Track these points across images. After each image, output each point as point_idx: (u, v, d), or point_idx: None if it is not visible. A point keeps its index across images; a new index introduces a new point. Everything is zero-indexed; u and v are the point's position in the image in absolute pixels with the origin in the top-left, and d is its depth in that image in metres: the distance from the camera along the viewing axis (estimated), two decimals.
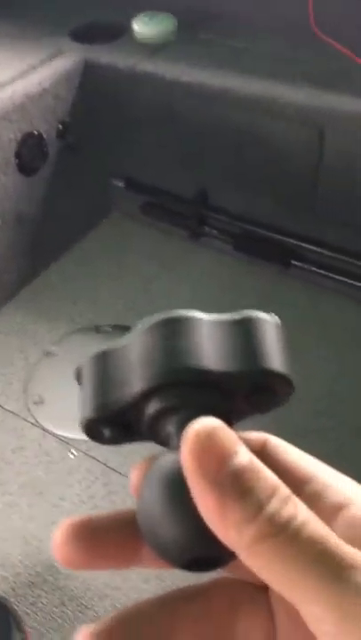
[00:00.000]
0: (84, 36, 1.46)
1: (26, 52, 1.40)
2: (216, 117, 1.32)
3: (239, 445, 0.22)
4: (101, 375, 0.27)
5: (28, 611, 0.97)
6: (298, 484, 0.25)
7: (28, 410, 1.22)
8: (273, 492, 0.21)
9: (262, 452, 0.26)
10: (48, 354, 1.31)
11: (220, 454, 0.21)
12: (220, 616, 0.26)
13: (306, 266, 1.37)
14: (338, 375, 1.24)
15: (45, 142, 1.36)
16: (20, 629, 0.93)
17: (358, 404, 1.19)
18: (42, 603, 0.98)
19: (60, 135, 1.39)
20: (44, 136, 1.36)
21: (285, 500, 0.21)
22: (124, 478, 1.10)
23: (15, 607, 0.95)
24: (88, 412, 0.26)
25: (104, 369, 0.27)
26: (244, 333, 0.26)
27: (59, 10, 1.57)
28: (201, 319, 0.26)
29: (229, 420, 0.26)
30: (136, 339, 0.27)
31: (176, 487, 0.23)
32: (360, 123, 1.17)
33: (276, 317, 0.28)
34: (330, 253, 1.33)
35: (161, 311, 0.27)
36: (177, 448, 0.24)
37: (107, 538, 0.25)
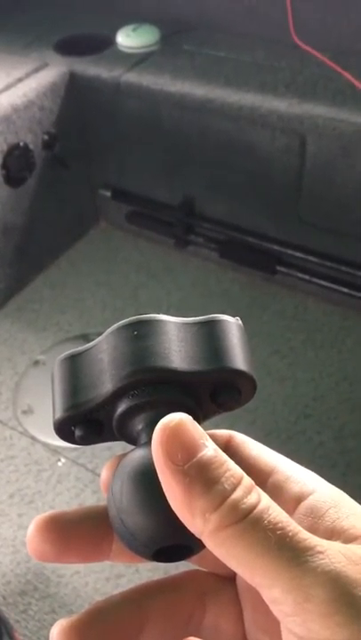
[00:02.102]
0: (69, 48, 1.48)
1: (11, 64, 1.42)
2: (200, 126, 1.33)
3: (206, 439, 0.23)
4: (71, 376, 0.28)
5: (19, 618, 0.97)
6: (261, 476, 0.26)
7: (17, 419, 1.22)
8: (237, 482, 0.22)
9: (228, 448, 0.27)
10: (36, 363, 1.32)
11: (188, 446, 0.22)
12: (190, 607, 0.27)
13: (291, 272, 1.38)
14: (323, 379, 1.25)
15: (32, 153, 1.38)
16: (11, 637, 0.93)
17: (342, 406, 1.20)
18: (32, 610, 0.98)
19: (47, 146, 1.41)
20: (31, 147, 1.37)
21: (248, 490, 0.22)
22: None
23: (6, 615, 0.96)
24: (59, 413, 0.27)
25: (73, 370, 0.28)
26: (209, 334, 0.27)
27: (44, 23, 1.59)
28: (167, 321, 0.27)
29: (197, 418, 0.26)
30: (104, 341, 0.27)
31: (144, 479, 0.24)
32: (340, 131, 1.19)
33: (240, 320, 0.29)
34: (315, 259, 1.35)
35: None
36: (146, 444, 0.25)
37: (77, 531, 0.26)
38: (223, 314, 0.28)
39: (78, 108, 1.44)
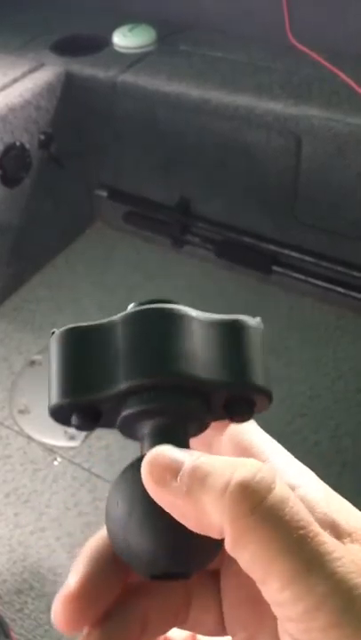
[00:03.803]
0: (65, 48, 1.48)
1: (8, 64, 1.42)
2: (196, 127, 1.34)
3: (189, 452, 0.23)
4: (77, 356, 0.25)
5: (15, 617, 0.97)
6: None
7: (13, 418, 1.23)
8: (233, 465, 0.22)
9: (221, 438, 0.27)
10: (33, 363, 1.32)
11: (172, 465, 0.23)
12: (178, 601, 0.27)
13: (287, 272, 1.39)
14: (318, 378, 1.26)
15: (28, 153, 1.38)
16: (7, 636, 0.93)
17: (338, 406, 1.21)
18: (28, 609, 0.98)
19: (43, 146, 1.41)
20: (27, 147, 1.37)
21: (254, 468, 0.22)
22: (108, 484, 1.10)
23: (2, 614, 0.96)
24: (58, 398, 0.25)
25: (80, 349, 0.26)
26: (233, 340, 0.26)
27: (40, 23, 1.59)
28: (193, 318, 0.26)
29: (204, 427, 0.26)
30: (122, 323, 0.25)
31: (142, 505, 0.23)
32: (335, 131, 1.19)
33: (261, 323, 0.27)
34: (310, 259, 1.35)
35: (151, 297, 0.27)
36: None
37: (99, 597, 0.25)
38: (244, 315, 0.27)
39: (74, 108, 1.44)
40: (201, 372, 0.25)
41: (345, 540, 0.22)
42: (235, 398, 0.26)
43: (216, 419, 0.27)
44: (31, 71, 1.40)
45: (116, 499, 0.24)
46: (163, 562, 0.23)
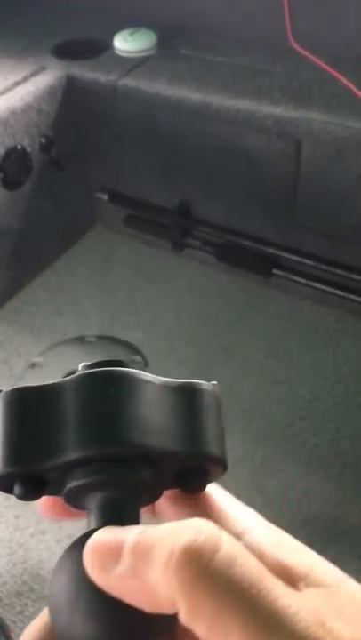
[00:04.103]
0: (66, 52, 1.48)
1: (9, 68, 1.42)
2: (197, 130, 1.34)
3: (127, 532, 0.22)
4: (21, 420, 0.24)
5: (15, 619, 0.97)
6: (207, 515, 0.25)
7: None
8: (179, 531, 0.21)
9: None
10: (33, 365, 1.33)
11: (113, 548, 0.21)
12: None
13: (287, 275, 1.39)
14: (318, 381, 1.26)
15: (29, 156, 1.38)
16: (8, 637, 0.93)
17: (337, 409, 1.21)
18: (29, 611, 0.99)
19: (44, 149, 1.41)
20: (28, 150, 1.37)
21: (198, 530, 0.20)
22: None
23: (2, 616, 0.96)
24: (3, 463, 0.24)
25: (25, 412, 0.24)
26: (187, 406, 0.25)
27: (41, 27, 1.59)
28: (145, 382, 0.24)
29: (155, 496, 0.26)
30: (71, 387, 0.24)
31: (87, 592, 0.22)
32: (335, 135, 1.20)
33: (217, 387, 0.26)
34: (310, 262, 1.35)
35: (105, 360, 0.25)
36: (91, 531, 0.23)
37: None
38: (199, 379, 0.26)
39: (75, 112, 1.45)
40: (151, 441, 0.23)
41: (300, 585, 0.21)
42: (187, 468, 0.25)
43: (168, 487, 0.26)
44: (32, 75, 1.40)
45: (60, 582, 0.22)
46: None
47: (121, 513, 0.23)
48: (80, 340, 1.37)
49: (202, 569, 0.20)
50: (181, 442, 0.24)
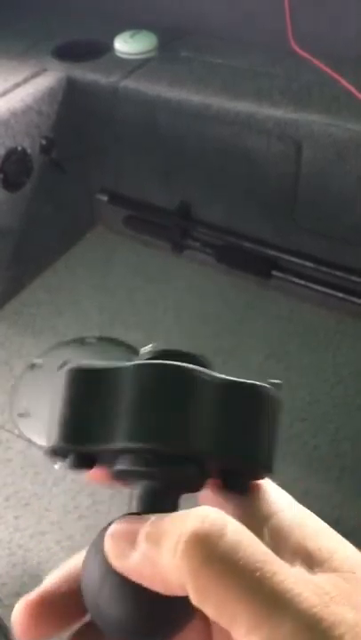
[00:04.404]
0: (67, 54, 1.49)
1: (9, 70, 1.42)
2: (197, 132, 1.34)
3: (143, 521, 0.23)
4: (82, 398, 0.25)
5: None
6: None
7: (14, 422, 1.23)
8: (187, 518, 0.22)
9: None
10: (33, 366, 1.33)
11: (128, 536, 0.23)
12: None
13: (287, 276, 1.39)
14: (318, 383, 1.26)
15: (29, 157, 1.38)
16: (8, 639, 0.93)
17: (337, 410, 1.21)
18: None
19: (44, 150, 1.41)
20: (28, 151, 1.38)
21: (203, 517, 0.21)
22: (109, 488, 1.11)
23: (2, 617, 0.96)
24: (57, 439, 0.25)
25: (87, 391, 0.25)
26: (244, 409, 0.25)
27: (42, 29, 1.60)
28: (205, 380, 0.25)
29: (197, 489, 0.26)
30: (132, 372, 0.25)
31: (113, 576, 0.23)
32: (335, 137, 1.20)
33: (280, 389, 0.26)
34: (310, 264, 1.36)
35: (167, 346, 0.26)
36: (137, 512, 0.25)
37: (66, 609, 0.26)
38: (268, 380, 0.26)
39: (76, 113, 1.45)
40: (199, 443, 0.24)
41: (316, 570, 0.22)
42: (233, 470, 0.25)
43: (212, 479, 0.26)
44: (33, 76, 1.41)
45: (90, 563, 0.24)
46: (133, 632, 0.23)
47: (159, 503, 0.25)
48: (80, 341, 1.38)
49: (208, 553, 0.21)
50: (229, 445, 0.25)
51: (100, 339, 1.38)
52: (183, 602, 0.21)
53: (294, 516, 0.24)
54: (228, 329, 1.38)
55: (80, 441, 0.25)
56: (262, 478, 0.26)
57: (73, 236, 1.62)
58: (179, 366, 0.25)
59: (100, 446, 0.25)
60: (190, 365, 0.25)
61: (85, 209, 1.62)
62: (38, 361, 1.34)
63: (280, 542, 0.23)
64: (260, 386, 0.26)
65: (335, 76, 1.29)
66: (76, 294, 1.50)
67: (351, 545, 0.23)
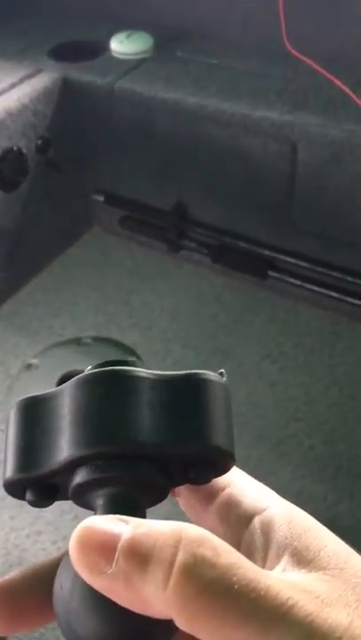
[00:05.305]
0: (63, 54, 1.49)
1: (5, 70, 1.42)
2: (193, 133, 1.35)
3: (120, 522, 0.21)
4: (27, 429, 0.25)
5: None
6: (217, 489, 0.26)
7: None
8: (176, 543, 0.20)
9: None
10: (29, 366, 1.33)
11: (103, 547, 0.21)
12: None
13: (283, 277, 1.39)
14: (313, 383, 1.27)
15: (25, 157, 1.38)
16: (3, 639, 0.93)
17: (332, 411, 1.22)
18: None
19: (40, 151, 1.41)
20: (24, 151, 1.38)
21: (194, 544, 0.20)
22: None
23: None
24: (9, 472, 0.25)
25: (31, 421, 0.25)
26: (187, 397, 0.24)
27: (38, 29, 1.60)
28: (141, 377, 0.24)
29: (162, 494, 0.25)
30: (68, 391, 0.25)
31: (82, 589, 0.22)
32: (331, 138, 1.20)
33: (224, 376, 0.26)
34: (306, 265, 1.36)
35: (110, 359, 0.25)
36: None
37: (28, 602, 0.25)
38: (205, 370, 0.25)
39: (72, 114, 1.45)
40: (148, 438, 0.23)
41: (306, 568, 0.22)
42: (194, 461, 0.24)
43: (176, 484, 0.25)
44: (29, 77, 1.41)
45: (60, 577, 0.23)
46: None
47: (124, 509, 0.23)
48: (76, 341, 1.38)
49: (202, 585, 0.19)
50: (181, 435, 0.24)
51: (96, 339, 1.38)
52: (164, 623, 0.20)
53: (281, 513, 0.24)
54: (224, 329, 1.38)
55: (32, 467, 0.24)
56: (228, 468, 0.25)
57: (69, 237, 1.62)
58: (111, 369, 0.24)
59: (52, 465, 0.24)
60: (122, 367, 0.25)
61: (81, 209, 1.62)
62: (34, 361, 1.34)
63: (269, 539, 0.23)
64: (195, 374, 0.25)
65: (330, 77, 1.29)
66: (72, 295, 1.50)
67: (339, 539, 0.23)
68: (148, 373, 0.25)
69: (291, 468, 1.12)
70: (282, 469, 1.11)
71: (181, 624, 0.20)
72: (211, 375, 0.25)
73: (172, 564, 0.20)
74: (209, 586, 0.19)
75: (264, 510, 0.24)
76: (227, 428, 0.25)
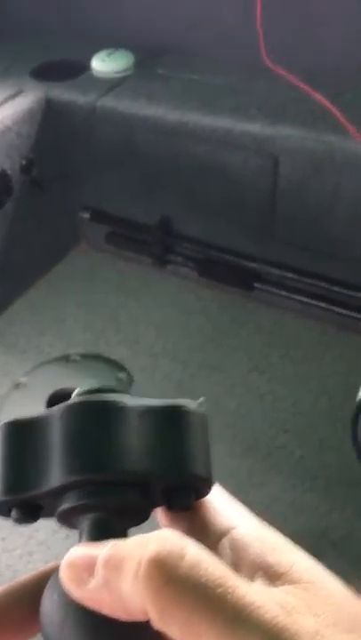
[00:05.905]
0: (44, 74, 1.50)
1: None
2: (175, 149, 1.36)
3: (101, 547, 0.23)
4: (15, 451, 0.26)
5: None
6: (193, 509, 0.26)
7: None
8: (148, 543, 0.22)
9: None
10: (18, 385, 1.32)
11: (88, 565, 0.22)
12: None
13: (269, 288, 1.40)
14: (302, 394, 1.27)
15: (10, 178, 1.39)
16: None
17: (322, 421, 1.22)
18: None
19: (24, 171, 1.42)
20: (8, 172, 1.38)
21: (164, 539, 0.22)
22: None
23: None
24: None
25: (19, 443, 0.26)
26: (170, 427, 0.26)
27: (19, 50, 1.61)
28: (127, 407, 0.26)
29: (143, 517, 0.27)
30: (58, 416, 0.26)
31: (75, 612, 0.23)
32: (311, 150, 1.22)
33: (203, 405, 0.27)
34: (292, 276, 1.37)
35: (88, 388, 0.27)
36: None
37: (9, 617, 0.26)
38: (185, 399, 0.27)
39: (55, 133, 1.46)
40: (134, 466, 0.25)
41: (277, 583, 0.22)
42: (173, 487, 0.26)
43: (156, 505, 0.27)
44: (11, 97, 1.42)
45: (50, 601, 0.24)
46: None
47: (107, 533, 0.24)
48: (65, 358, 1.37)
49: (168, 577, 0.21)
50: (162, 463, 0.25)
51: (85, 356, 1.37)
52: (147, 629, 0.21)
53: (250, 531, 0.25)
54: (212, 342, 1.38)
55: (20, 489, 0.26)
56: (206, 493, 0.27)
57: (56, 255, 1.62)
58: (100, 401, 0.26)
59: (41, 490, 0.25)
60: (110, 396, 0.26)
61: (68, 227, 1.62)
62: (23, 380, 1.33)
63: (239, 558, 0.23)
64: (177, 406, 0.27)
65: (308, 90, 1.31)
66: (59, 312, 1.50)
67: (309, 556, 0.24)
68: (133, 403, 0.26)
69: (282, 478, 1.12)
70: (273, 480, 1.12)
71: (155, 618, 0.21)
72: (190, 406, 0.27)
73: (142, 557, 0.21)
74: (177, 575, 0.21)
75: (233, 529, 0.25)
76: (205, 456, 0.26)
